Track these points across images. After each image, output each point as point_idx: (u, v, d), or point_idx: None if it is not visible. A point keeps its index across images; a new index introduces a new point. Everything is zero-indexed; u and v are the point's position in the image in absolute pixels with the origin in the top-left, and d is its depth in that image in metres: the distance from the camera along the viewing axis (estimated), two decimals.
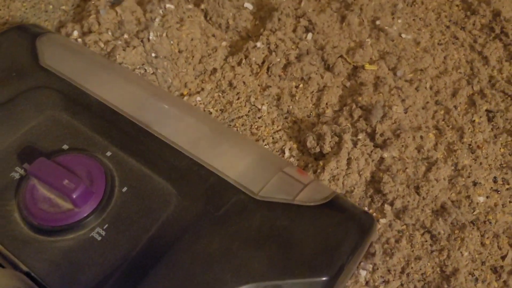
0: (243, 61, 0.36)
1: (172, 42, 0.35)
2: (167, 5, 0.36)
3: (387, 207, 0.29)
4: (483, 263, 0.27)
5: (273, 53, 0.36)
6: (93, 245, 0.24)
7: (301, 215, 0.24)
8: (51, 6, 0.41)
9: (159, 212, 0.25)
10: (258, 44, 0.36)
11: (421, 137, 0.31)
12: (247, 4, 0.38)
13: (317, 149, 0.31)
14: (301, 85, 0.35)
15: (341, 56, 0.35)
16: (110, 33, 0.35)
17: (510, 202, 0.29)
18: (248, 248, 0.23)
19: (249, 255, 0.23)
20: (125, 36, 0.35)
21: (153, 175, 0.26)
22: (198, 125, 0.29)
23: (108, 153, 0.27)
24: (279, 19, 0.37)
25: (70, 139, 0.28)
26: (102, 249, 0.23)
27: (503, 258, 0.27)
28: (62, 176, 0.24)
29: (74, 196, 0.24)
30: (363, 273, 0.27)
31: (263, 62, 0.36)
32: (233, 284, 0.22)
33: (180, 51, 0.35)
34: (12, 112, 0.29)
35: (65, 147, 0.27)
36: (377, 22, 0.37)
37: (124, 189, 0.26)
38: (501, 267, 0.27)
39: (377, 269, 0.27)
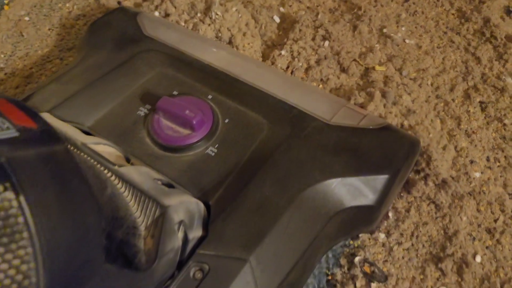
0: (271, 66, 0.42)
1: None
2: None
3: None
4: (479, 225, 0.33)
5: (296, 59, 0.42)
6: (209, 159, 0.31)
7: (365, 134, 0.32)
8: None
9: (256, 135, 0.32)
10: (283, 52, 0.42)
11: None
12: (275, 17, 0.45)
13: None
14: (321, 85, 0.41)
15: (354, 60, 0.42)
16: (185, 13, 0.43)
17: (500, 176, 0.35)
18: (329, 155, 0.30)
19: (330, 160, 0.30)
20: (198, 14, 0.42)
21: (247, 110, 0.33)
22: (276, 74, 0.36)
23: (210, 96, 0.34)
24: (300, 30, 0.43)
25: (177, 87, 0.35)
26: (216, 161, 0.30)
27: (495, 221, 0.33)
28: (184, 108, 0.31)
29: (194, 122, 0.31)
30: (381, 236, 0.33)
31: (287, 67, 0.42)
32: (320, 178, 0.29)
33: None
34: (130, 69, 0.36)
35: (175, 93, 0.34)
36: (384, 30, 0.43)
37: (226, 120, 0.33)
38: (494, 228, 0.33)
39: (392, 233, 0.33)
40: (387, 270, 0.32)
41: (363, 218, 0.31)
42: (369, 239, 0.33)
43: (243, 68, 0.35)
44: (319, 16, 0.44)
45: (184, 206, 0.25)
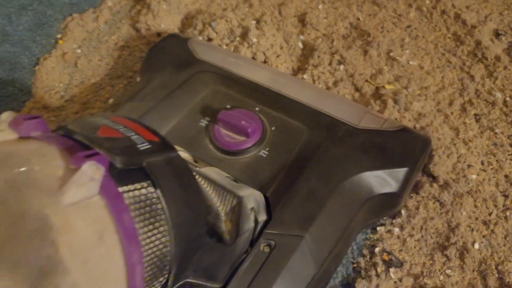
0: None
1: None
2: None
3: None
4: (476, 219, 0.40)
5: (316, 82, 0.49)
6: (262, 160, 0.38)
7: (387, 135, 0.38)
8: None
9: (298, 139, 0.39)
10: (305, 76, 0.49)
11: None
12: (299, 44, 0.52)
13: None
14: None
15: (366, 80, 0.49)
16: (226, 38, 0.50)
17: (493, 177, 0.42)
18: (359, 153, 0.37)
19: (361, 157, 0.37)
20: (237, 38, 0.50)
21: (289, 119, 0.40)
22: (309, 88, 0.43)
23: (257, 108, 0.41)
24: (318, 56, 0.50)
25: (229, 102, 0.42)
26: (268, 161, 0.38)
27: (490, 214, 0.40)
28: (240, 119, 0.38)
29: (249, 130, 0.38)
30: (395, 229, 0.40)
31: None
32: (354, 172, 0.36)
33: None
34: (189, 88, 0.43)
35: (228, 106, 0.41)
36: (391, 54, 0.50)
37: (273, 128, 0.40)
38: (489, 220, 0.40)
39: (405, 227, 0.40)
40: (402, 258, 0.39)
41: (389, 203, 0.38)
42: (386, 232, 0.40)
43: (282, 84, 0.42)
44: (334, 43, 0.52)
45: (253, 196, 0.33)
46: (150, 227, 0.22)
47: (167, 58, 0.46)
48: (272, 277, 0.31)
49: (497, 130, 0.44)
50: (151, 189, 0.23)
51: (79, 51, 0.56)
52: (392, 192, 0.37)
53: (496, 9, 0.52)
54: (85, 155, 0.20)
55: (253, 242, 0.33)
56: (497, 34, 0.50)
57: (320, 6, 0.56)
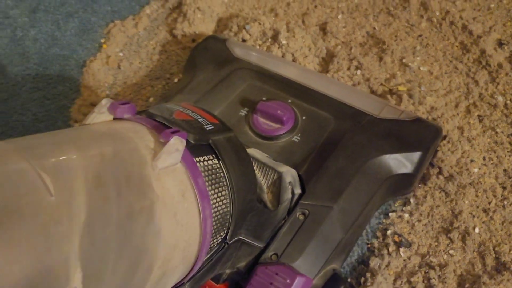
0: None
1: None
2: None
3: None
4: (477, 207, 0.45)
5: None
6: (295, 144, 0.44)
7: (404, 124, 0.44)
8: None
9: (326, 127, 0.45)
10: None
11: None
12: (324, 48, 0.58)
13: None
14: None
15: (381, 84, 0.54)
16: (258, 39, 0.56)
17: (493, 171, 0.47)
18: (380, 139, 0.43)
19: (381, 142, 0.43)
20: (269, 39, 0.56)
21: (317, 110, 0.46)
22: (334, 83, 0.49)
23: (289, 100, 0.47)
24: (337, 62, 0.56)
25: (265, 95, 0.48)
26: (300, 145, 0.44)
27: (489, 203, 0.45)
28: (276, 109, 0.44)
29: (284, 119, 0.44)
30: (405, 215, 0.46)
31: None
32: (376, 155, 0.42)
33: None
34: (229, 82, 0.49)
35: (264, 98, 0.47)
36: (403, 60, 0.56)
37: (303, 117, 0.46)
38: (488, 209, 0.45)
39: (414, 214, 0.46)
40: (411, 239, 0.44)
41: (405, 182, 0.44)
42: (397, 218, 0.46)
43: (311, 79, 0.48)
44: (352, 50, 0.57)
45: (290, 172, 0.40)
46: (216, 190, 0.28)
47: (208, 56, 0.52)
48: (306, 239, 0.37)
49: (498, 130, 0.49)
50: (216, 161, 0.29)
51: (121, 54, 0.63)
52: (408, 173, 0.43)
53: (500, 21, 0.57)
54: (171, 132, 0.25)
55: (290, 211, 0.39)
56: (500, 44, 0.55)
57: (340, 16, 0.61)
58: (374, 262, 0.43)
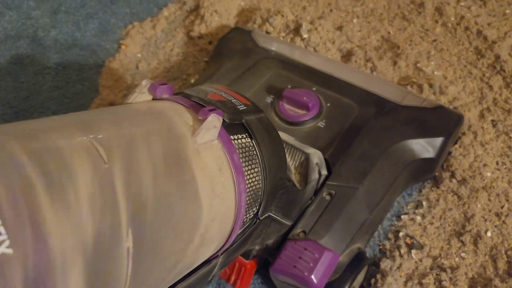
0: None
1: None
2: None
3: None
4: (489, 210, 0.45)
5: None
6: (320, 129, 0.45)
7: (426, 111, 0.45)
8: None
9: (350, 113, 0.46)
10: None
11: None
12: (346, 46, 0.59)
13: None
14: None
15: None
16: (281, 32, 0.58)
17: (506, 175, 0.47)
18: (403, 125, 0.44)
19: (405, 128, 0.44)
20: (292, 31, 0.57)
21: (341, 97, 0.47)
22: (357, 71, 0.50)
23: (314, 88, 0.48)
24: (355, 61, 0.56)
25: (290, 83, 0.49)
26: (325, 131, 0.45)
27: (502, 207, 0.45)
28: (301, 95, 0.45)
29: (310, 105, 0.45)
30: (418, 218, 0.46)
31: None
32: (399, 139, 0.43)
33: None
34: (256, 71, 0.51)
35: (289, 86, 0.48)
36: (418, 65, 0.56)
37: (328, 104, 0.47)
38: (501, 212, 0.45)
39: (426, 216, 0.46)
40: (423, 242, 0.45)
41: (427, 167, 0.45)
42: (409, 220, 0.46)
43: (334, 68, 0.50)
44: (367, 53, 0.58)
45: (317, 154, 0.41)
46: (249, 167, 0.29)
47: (234, 47, 0.54)
48: (333, 218, 0.39)
49: (511, 135, 0.50)
50: (249, 139, 0.30)
51: (139, 55, 0.64)
52: (430, 158, 0.44)
53: None
54: (209, 110, 0.27)
55: (316, 192, 0.41)
56: None
57: (355, 20, 0.62)
58: (385, 264, 0.43)
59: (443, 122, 0.45)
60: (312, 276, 0.35)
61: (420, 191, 0.48)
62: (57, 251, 0.17)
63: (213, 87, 0.33)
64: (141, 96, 0.28)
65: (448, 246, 0.44)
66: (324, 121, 0.46)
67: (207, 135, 0.26)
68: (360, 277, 0.41)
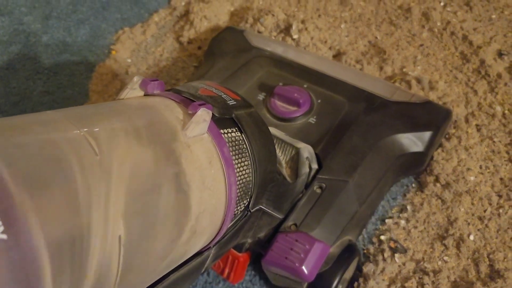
0: None
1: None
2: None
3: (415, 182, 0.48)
4: (472, 214, 0.46)
5: None
6: (311, 125, 0.46)
7: (415, 106, 0.46)
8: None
9: (340, 109, 0.47)
10: None
11: None
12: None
13: None
14: None
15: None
16: (273, 31, 0.59)
17: (489, 179, 0.48)
18: (393, 120, 0.45)
19: (394, 122, 0.45)
20: (283, 31, 0.59)
21: (331, 94, 0.48)
22: (347, 69, 0.51)
23: (305, 85, 0.49)
24: (345, 61, 0.57)
25: (282, 80, 0.50)
26: (316, 126, 0.46)
27: (484, 211, 0.46)
28: (293, 92, 0.47)
29: (300, 101, 0.46)
30: (402, 222, 0.46)
31: None
32: (388, 134, 0.44)
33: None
34: (248, 69, 0.52)
35: (281, 84, 0.50)
36: (404, 69, 0.57)
37: (319, 101, 0.48)
38: (484, 216, 0.46)
39: (410, 220, 0.46)
40: (407, 246, 0.45)
41: (416, 161, 0.46)
42: (393, 224, 0.47)
43: (325, 66, 0.51)
44: (355, 57, 0.58)
45: (307, 148, 0.42)
46: (239, 160, 0.30)
47: (227, 45, 0.55)
48: (324, 210, 0.40)
49: (495, 139, 0.50)
50: (239, 133, 0.31)
51: (129, 60, 0.65)
52: (419, 151, 0.45)
53: (500, 31, 0.58)
54: (199, 104, 0.28)
55: (307, 186, 0.42)
56: (500, 54, 0.56)
57: (343, 25, 0.62)
58: (368, 268, 0.44)
59: (432, 116, 0.46)
60: (303, 267, 0.36)
61: (405, 195, 0.49)
62: (46, 241, 0.18)
63: (204, 83, 0.34)
64: (133, 92, 0.29)
65: (431, 249, 0.44)
66: (315, 117, 0.47)
67: (197, 128, 0.27)
68: (351, 269, 0.42)
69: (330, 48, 0.59)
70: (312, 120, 0.46)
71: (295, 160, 0.41)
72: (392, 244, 0.45)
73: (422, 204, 0.47)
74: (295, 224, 0.39)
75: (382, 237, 0.46)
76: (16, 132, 0.20)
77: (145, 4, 0.72)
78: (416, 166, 0.47)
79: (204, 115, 0.27)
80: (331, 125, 0.46)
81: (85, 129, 0.22)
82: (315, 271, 0.37)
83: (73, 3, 0.73)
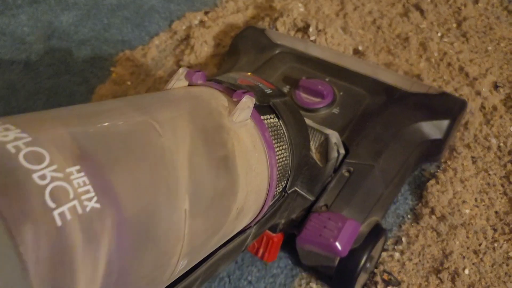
0: None
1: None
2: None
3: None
4: (468, 248, 0.46)
5: None
6: (335, 115, 0.49)
7: (433, 97, 0.49)
8: None
9: (362, 101, 0.50)
10: None
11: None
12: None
13: None
14: None
15: None
16: (291, 30, 0.61)
17: (485, 213, 0.48)
18: (412, 110, 0.48)
19: (414, 112, 0.48)
20: (300, 30, 0.60)
21: (353, 87, 0.51)
22: (366, 63, 0.54)
23: (327, 79, 0.52)
24: None
25: (304, 74, 0.53)
26: (340, 116, 0.48)
27: (480, 245, 0.46)
28: (317, 84, 0.49)
29: (325, 93, 0.49)
30: (396, 254, 0.47)
31: None
32: (409, 123, 0.47)
33: None
34: (272, 65, 0.55)
35: (304, 78, 0.51)
36: None
37: (341, 93, 0.50)
38: (479, 250, 0.46)
39: (405, 253, 0.47)
40: (401, 278, 0.45)
41: (435, 148, 0.49)
42: (388, 257, 0.47)
43: (345, 60, 0.54)
44: None
45: (335, 135, 0.44)
46: (278, 144, 0.32)
47: (250, 43, 0.58)
48: (352, 192, 0.42)
49: (490, 172, 0.50)
50: (276, 119, 0.33)
51: (129, 83, 0.65)
52: (438, 139, 0.48)
53: (496, 63, 0.59)
54: (242, 92, 0.30)
55: (336, 170, 0.44)
56: (496, 86, 0.56)
57: None
58: None
59: (449, 106, 0.48)
60: (337, 243, 0.38)
61: (400, 226, 0.49)
62: (129, 211, 0.19)
63: (240, 74, 0.36)
64: (179, 82, 0.32)
65: (426, 283, 0.44)
66: (338, 108, 0.49)
67: (242, 114, 0.29)
68: (378, 248, 0.44)
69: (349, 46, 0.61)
70: (335, 110, 0.49)
71: (324, 145, 0.43)
72: (385, 276, 0.45)
73: (417, 236, 0.47)
74: (326, 205, 0.41)
75: (375, 269, 0.46)
76: (97, 118, 0.22)
77: (146, 27, 0.73)
78: (434, 153, 0.50)
79: (248, 101, 0.30)
80: (354, 115, 0.48)
81: (149, 116, 0.24)
82: (348, 247, 0.39)
83: (75, 24, 0.74)
